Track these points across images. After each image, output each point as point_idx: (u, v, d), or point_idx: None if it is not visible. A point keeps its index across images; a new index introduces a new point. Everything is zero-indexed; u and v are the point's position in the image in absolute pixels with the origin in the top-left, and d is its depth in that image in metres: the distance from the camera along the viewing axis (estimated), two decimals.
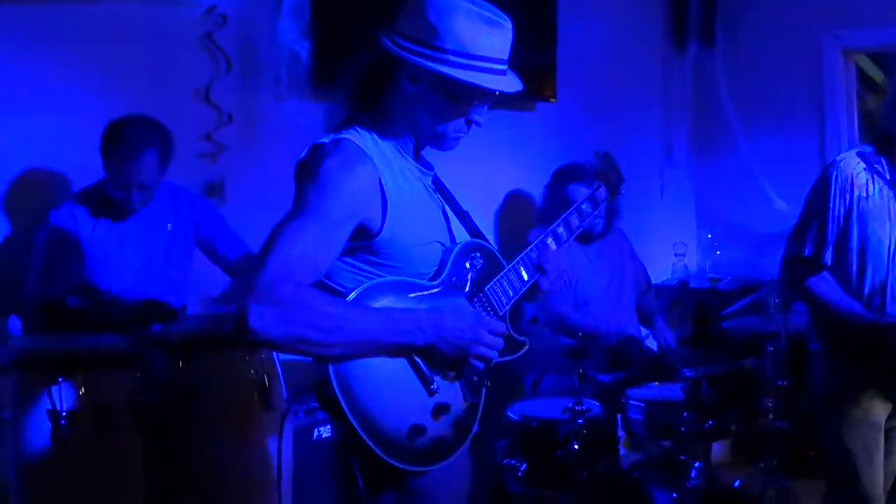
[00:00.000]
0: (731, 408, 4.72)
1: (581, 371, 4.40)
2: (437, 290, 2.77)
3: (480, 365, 2.79)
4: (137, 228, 4.43)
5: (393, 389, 2.64)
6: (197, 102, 4.91)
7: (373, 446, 2.57)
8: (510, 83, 2.77)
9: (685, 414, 4.67)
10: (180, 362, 3.88)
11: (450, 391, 2.77)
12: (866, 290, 3.99)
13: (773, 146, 7.54)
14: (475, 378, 2.84)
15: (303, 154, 2.72)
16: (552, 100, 6.45)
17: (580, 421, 4.38)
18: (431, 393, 2.71)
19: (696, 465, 4.66)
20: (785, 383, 5.21)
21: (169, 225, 4.53)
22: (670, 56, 7.83)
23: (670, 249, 7.67)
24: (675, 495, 4.49)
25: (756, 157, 7.65)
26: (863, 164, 3.98)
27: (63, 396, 3.60)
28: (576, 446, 4.36)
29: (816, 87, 7.38)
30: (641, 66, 7.54)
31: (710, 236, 7.81)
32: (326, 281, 2.66)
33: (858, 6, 7.04)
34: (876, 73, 8.46)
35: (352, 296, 2.60)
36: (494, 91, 2.72)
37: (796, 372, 5.24)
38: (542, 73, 6.29)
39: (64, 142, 4.46)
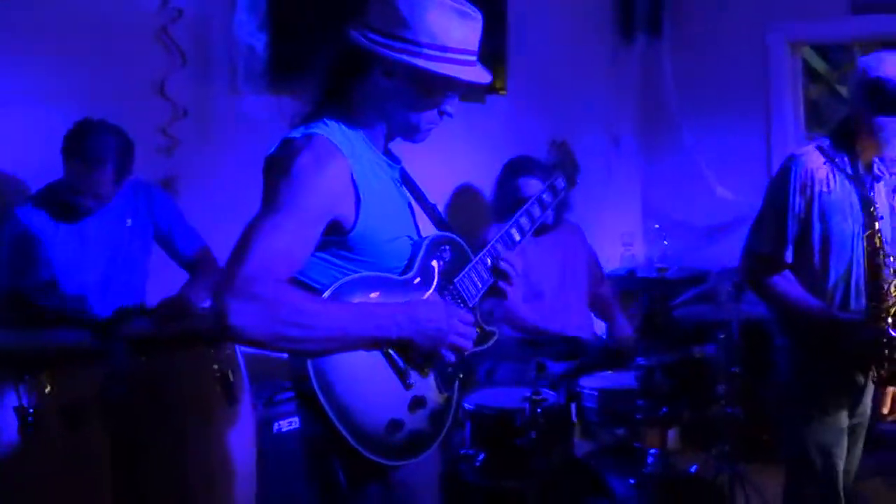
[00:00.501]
0: (685, 395, 4.77)
1: (538, 361, 4.42)
2: (408, 283, 2.78)
3: (453, 356, 2.80)
4: (97, 226, 4.39)
5: (370, 384, 2.64)
6: (152, 97, 4.86)
7: (353, 443, 2.58)
8: (482, 74, 2.80)
9: (639, 402, 4.71)
10: (144, 358, 3.88)
11: (425, 384, 2.79)
12: (829, 284, 3.97)
13: (720, 137, 7.65)
14: (449, 370, 2.87)
15: (273, 149, 2.70)
16: (502, 92, 6.49)
17: (538, 410, 4.40)
18: (408, 387, 2.73)
19: (652, 451, 4.71)
20: (737, 370, 5.30)
21: (128, 221, 4.49)
22: (618, 47, 7.90)
23: (617, 239, 7.75)
24: (632, 482, 4.54)
25: (702, 147, 7.76)
26: (822, 158, 3.95)
27: (29, 394, 3.58)
28: (533, 435, 4.39)
29: (762, 78, 7.48)
30: (589, 58, 7.60)
31: (657, 226, 7.88)
32: (299, 276, 2.64)
33: None
34: (820, 65, 8.59)
35: (327, 293, 2.60)
36: (470, 83, 2.75)
37: (748, 359, 5.33)
38: (492, 65, 6.27)
39: (18, 138, 4.38)
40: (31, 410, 3.56)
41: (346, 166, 2.64)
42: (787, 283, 4.00)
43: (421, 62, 2.66)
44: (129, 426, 3.82)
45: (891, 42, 7.44)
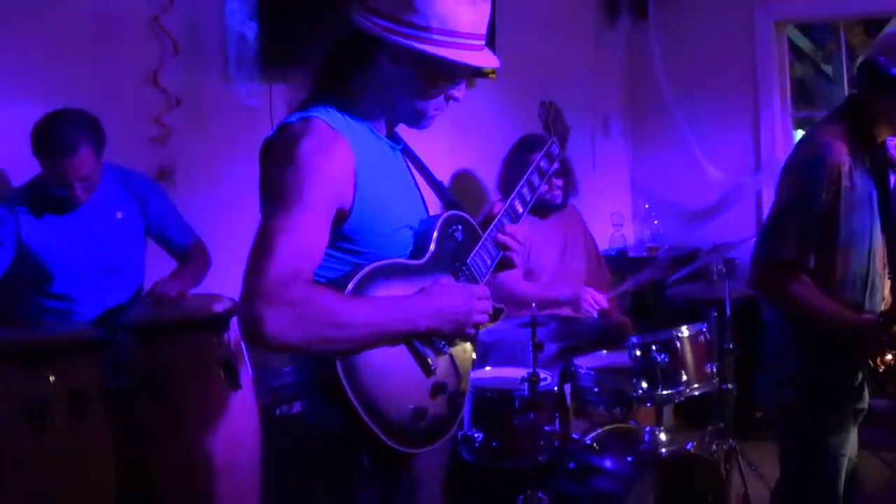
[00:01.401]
0: (679, 373, 4.79)
1: (535, 341, 4.44)
2: (423, 267, 2.73)
3: (474, 332, 2.77)
4: (86, 219, 4.37)
5: (395, 376, 2.59)
6: (145, 86, 4.89)
7: (382, 436, 2.53)
8: (491, 58, 2.73)
9: (635, 380, 4.74)
10: (147, 346, 3.91)
11: (444, 369, 2.74)
12: (845, 283, 3.73)
13: (708, 116, 7.68)
14: (464, 352, 2.83)
15: (270, 134, 2.61)
16: (492, 76, 6.52)
17: (536, 391, 4.43)
18: (430, 374, 2.68)
19: (647, 430, 4.74)
20: (730, 346, 5.34)
21: (119, 213, 4.47)
22: (603, 29, 7.91)
23: (608, 220, 7.79)
24: (629, 460, 4.56)
25: (690, 127, 7.78)
26: (845, 148, 3.64)
27: (33, 384, 3.62)
28: (532, 416, 4.42)
29: (749, 58, 7.51)
30: (575, 41, 7.62)
31: (647, 206, 7.93)
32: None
33: None
34: (805, 43, 8.63)
35: (350, 286, 2.51)
36: (481, 68, 2.69)
37: (741, 336, 5.37)
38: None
39: (12, 129, 4.35)
40: (36, 401, 3.60)
41: (349, 150, 2.56)
42: (809, 291, 3.69)
43: (431, 48, 2.58)
44: (133, 414, 3.86)
45: (874, 20, 7.54)
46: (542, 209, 5.80)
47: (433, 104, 2.74)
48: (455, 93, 2.76)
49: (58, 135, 4.11)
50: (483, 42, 2.71)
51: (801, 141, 3.95)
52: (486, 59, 2.71)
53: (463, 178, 6.62)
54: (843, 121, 3.76)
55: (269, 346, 2.37)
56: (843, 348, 3.72)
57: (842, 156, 3.62)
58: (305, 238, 2.43)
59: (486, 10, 2.70)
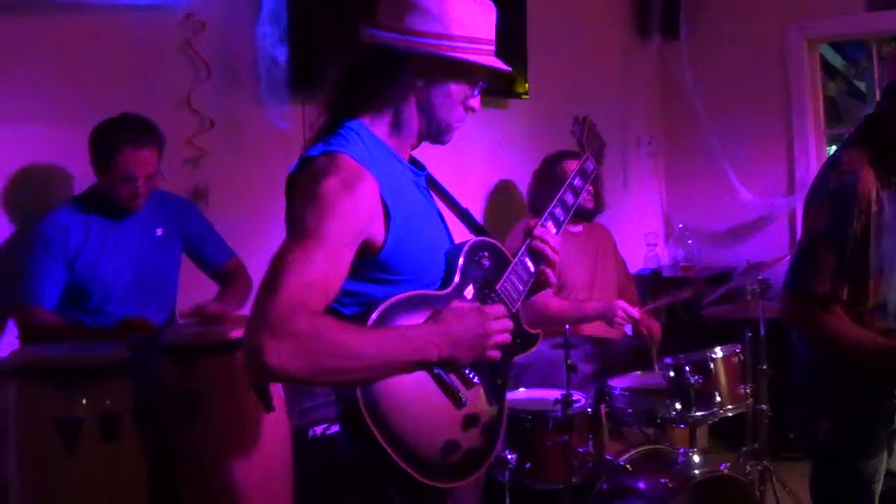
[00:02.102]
0: (714, 393, 4.76)
1: (569, 362, 4.43)
2: (451, 297, 2.69)
3: (499, 354, 2.68)
4: (129, 233, 4.43)
5: (422, 408, 2.56)
6: (179, 109, 4.92)
7: (411, 471, 2.50)
8: (503, 63, 2.76)
9: (668, 401, 4.71)
10: (180, 367, 3.92)
11: (475, 400, 2.70)
12: (877, 308, 3.66)
13: (741, 135, 7.67)
14: (498, 381, 2.80)
15: (293, 168, 2.61)
16: (525, 97, 6.53)
17: (570, 412, 4.42)
18: (460, 406, 2.64)
19: (681, 451, 4.71)
20: (764, 367, 5.32)
21: (159, 231, 4.53)
22: (635, 48, 7.92)
23: (642, 240, 7.78)
24: (663, 481, 4.54)
25: (722, 146, 7.76)
26: (872, 172, 3.59)
27: (66, 404, 3.62)
28: (565, 437, 4.41)
29: (781, 76, 7.51)
30: (607, 59, 7.64)
31: (680, 226, 7.91)
32: (338, 307, 2.57)
33: None
34: (837, 60, 8.61)
35: (373, 317, 2.50)
36: (504, 70, 2.72)
37: (775, 356, 5.34)
38: (515, 70, 6.32)
39: (51, 149, 4.46)
40: (68, 422, 3.60)
41: (374, 186, 2.53)
42: (842, 323, 3.61)
43: (458, 54, 2.63)
44: (165, 435, 3.86)
45: None
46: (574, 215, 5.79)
47: (456, 115, 2.75)
48: (473, 102, 2.77)
49: (132, 128, 4.23)
50: (494, 47, 2.75)
51: (826, 167, 3.84)
52: (502, 63, 2.75)
53: (497, 196, 6.63)
54: (867, 143, 3.70)
55: (271, 378, 2.35)
56: (876, 375, 3.63)
57: (869, 183, 3.56)
58: (317, 271, 2.37)
59: (494, 16, 2.76)
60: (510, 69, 2.76)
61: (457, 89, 2.72)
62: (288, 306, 2.29)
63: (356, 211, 2.48)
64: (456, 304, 2.67)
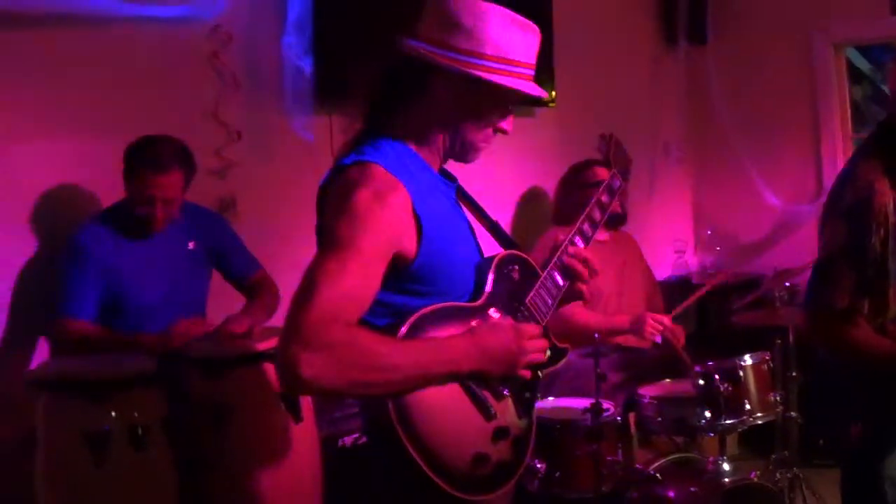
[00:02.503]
0: (744, 401, 4.74)
1: (598, 371, 4.41)
2: (479, 309, 2.67)
3: (529, 374, 2.70)
4: (160, 248, 4.44)
5: (452, 422, 2.54)
6: (206, 120, 4.95)
7: (439, 483, 2.47)
8: (539, 89, 2.71)
9: (698, 409, 4.69)
10: (209, 379, 3.95)
11: (505, 413, 2.67)
12: (895, 315, 3.53)
13: (768, 141, 7.63)
14: (527, 394, 2.77)
15: (325, 178, 2.61)
16: (551, 105, 6.52)
17: (599, 421, 4.41)
18: (490, 419, 2.61)
19: (711, 459, 4.70)
20: (793, 374, 5.30)
21: (191, 244, 4.55)
22: (662, 55, 7.90)
23: (670, 247, 7.76)
24: (693, 489, 4.52)
25: (749, 151, 7.73)
26: (888, 182, 3.46)
27: (95, 416, 3.65)
28: (594, 446, 4.40)
29: (808, 81, 7.47)
30: (634, 68, 7.62)
31: (709, 233, 7.89)
32: (370, 318, 2.51)
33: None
34: (863, 64, 8.57)
35: (404, 329, 2.48)
36: (535, 96, 2.68)
37: (804, 363, 5.32)
38: (542, 79, 6.29)
39: (81, 162, 4.50)
40: (99, 433, 3.62)
41: (407, 198, 2.51)
42: (866, 335, 3.50)
43: (486, 74, 2.57)
44: (195, 447, 3.88)
45: None
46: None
47: (482, 136, 2.71)
48: (504, 125, 2.73)
49: (156, 151, 4.23)
50: (533, 72, 2.69)
51: (841, 180, 3.69)
52: (536, 89, 2.69)
53: (525, 205, 6.63)
54: (881, 152, 3.59)
55: (304, 390, 2.36)
56: None
57: (886, 195, 3.45)
58: (351, 282, 2.36)
59: (536, 40, 2.69)
60: (545, 95, 2.73)
61: (485, 110, 2.67)
62: (322, 318, 2.27)
63: (389, 223, 2.46)
64: (492, 319, 2.68)
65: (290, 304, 2.33)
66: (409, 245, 2.53)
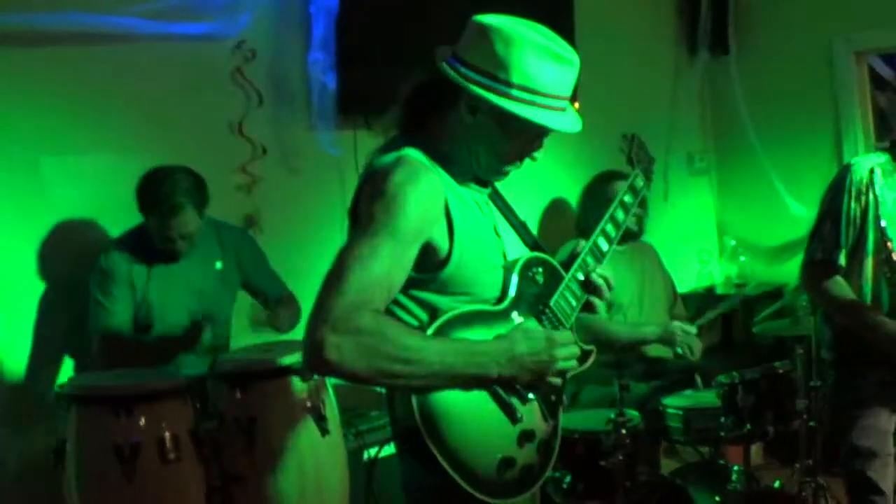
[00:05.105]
0: (767, 411, 4.75)
1: (621, 382, 4.42)
2: (504, 311, 2.67)
3: (559, 381, 2.69)
4: (187, 269, 4.48)
5: (478, 425, 2.54)
6: (231, 136, 5.00)
7: (468, 487, 2.48)
8: (571, 122, 2.67)
9: (722, 419, 4.71)
10: (237, 392, 3.98)
11: (531, 416, 2.67)
12: (880, 293, 4.06)
13: (791, 150, 7.61)
14: (553, 398, 2.77)
15: (361, 178, 2.62)
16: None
17: (623, 431, 4.42)
18: (516, 422, 2.61)
19: (735, 468, 4.71)
20: (817, 384, 5.30)
21: (218, 263, 4.57)
22: (684, 64, 7.89)
23: (694, 257, 7.75)
24: (718, 499, 4.54)
25: (772, 161, 7.71)
26: (878, 169, 4.02)
27: (125, 429, 3.69)
28: (619, 457, 4.40)
29: (830, 89, 7.43)
30: (655, 76, 7.62)
31: (733, 243, 7.88)
32: (399, 312, 2.56)
33: (868, 7, 7.11)
34: (886, 72, 8.54)
35: (430, 331, 2.48)
36: (555, 129, 2.63)
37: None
38: None
39: (109, 178, 4.55)
40: (127, 446, 3.67)
41: (440, 186, 2.53)
42: (837, 288, 4.08)
43: (507, 104, 2.53)
44: (222, 459, 3.92)
45: None
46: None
47: (507, 160, 2.71)
48: (533, 153, 2.73)
49: (164, 194, 4.23)
50: (565, 104, 2.65)
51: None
52: (563, 122, 2.64)
53: (548, 214, 6.65)
54: (887, 150, 4.12)
55: (329, 373, 2.34)
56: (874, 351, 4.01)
57: (868, 171, 4.02)
58: (382, 266, 2.36)
59: (574, 71, 2.64)
60: (575, 128, 2.67)
61: (507, 138, 2.64)
62: (352, 302, 2.27)
63: (422, 205, 2.47)
64: (525, 325, 2.67)
65: (321, 286, 2.33)
66: (441, 241, 2.54)
